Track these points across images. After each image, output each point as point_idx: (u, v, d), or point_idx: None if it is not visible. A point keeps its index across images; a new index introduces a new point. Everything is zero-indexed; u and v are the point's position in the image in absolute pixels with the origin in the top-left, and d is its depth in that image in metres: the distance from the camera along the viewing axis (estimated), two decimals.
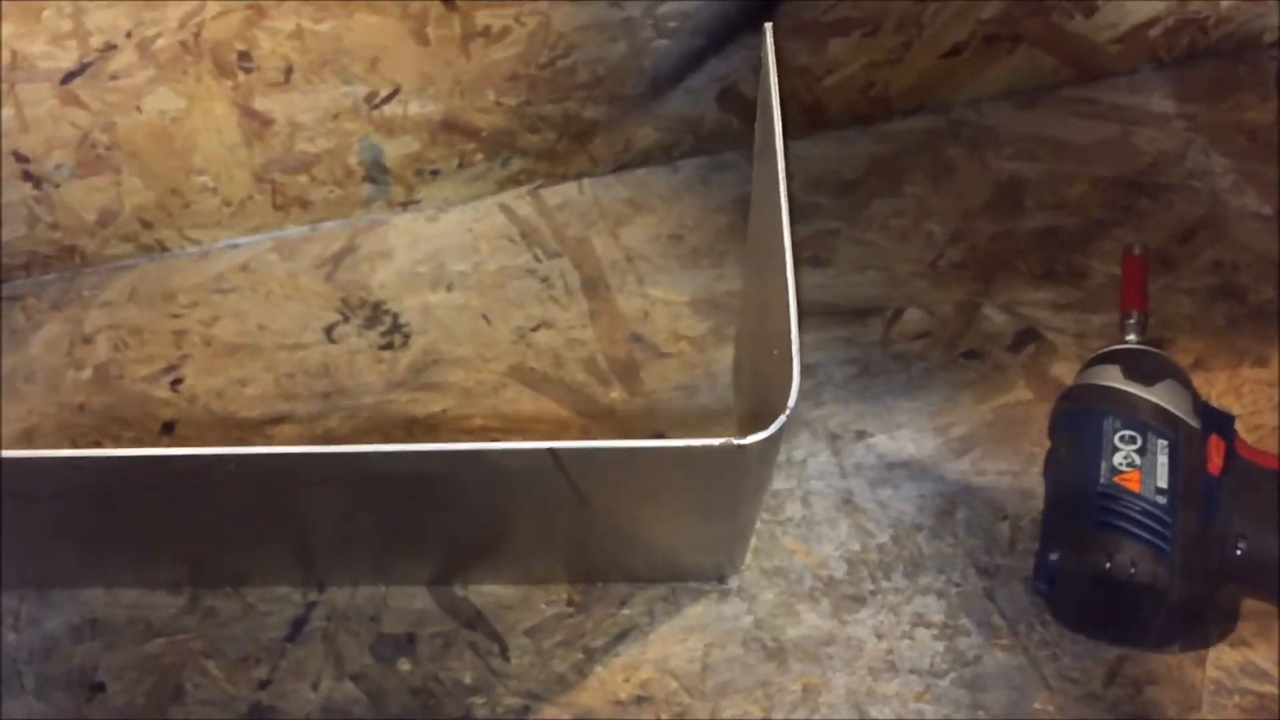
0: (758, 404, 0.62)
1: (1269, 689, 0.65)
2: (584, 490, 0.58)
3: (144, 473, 0.58)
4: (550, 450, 0.53)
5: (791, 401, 0.51)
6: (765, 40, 0.61)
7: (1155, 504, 0.65)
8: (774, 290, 0.59)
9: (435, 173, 0.91)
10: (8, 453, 0.53)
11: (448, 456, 0.55)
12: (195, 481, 0.59)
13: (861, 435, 0.78)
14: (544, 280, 0.87)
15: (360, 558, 0.71)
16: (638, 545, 0.69)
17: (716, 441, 0.51)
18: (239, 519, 0.65)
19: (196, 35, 0.80)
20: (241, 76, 0.82)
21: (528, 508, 0.63)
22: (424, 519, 0.65)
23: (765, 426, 0.52)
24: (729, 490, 0.60)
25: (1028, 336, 0.82)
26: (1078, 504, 0.66)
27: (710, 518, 0.65)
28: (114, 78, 0.80)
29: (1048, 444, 0.74)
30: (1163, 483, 0.66)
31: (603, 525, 0.66)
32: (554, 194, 0.93)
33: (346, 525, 0.66)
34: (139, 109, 0.82)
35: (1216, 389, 0.78)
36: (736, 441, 0.51)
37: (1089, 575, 0.64)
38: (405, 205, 0.92)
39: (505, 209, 0.92)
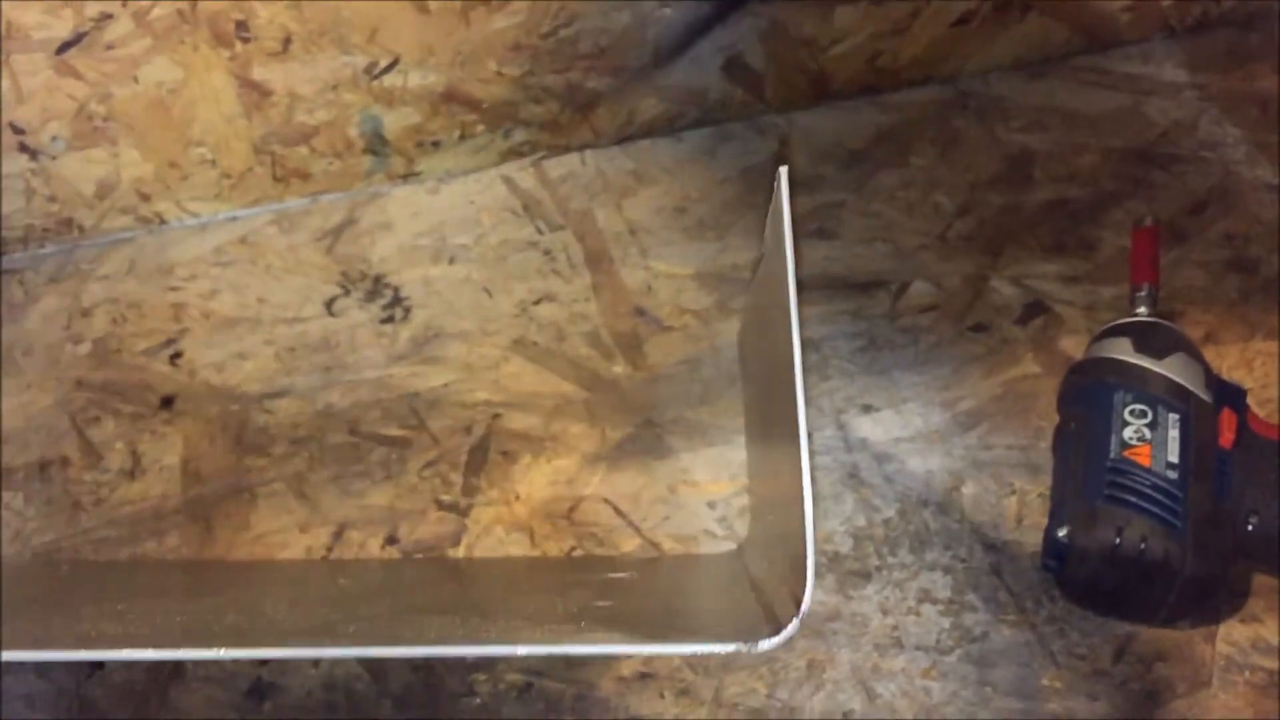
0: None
1: None
2: None
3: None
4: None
5: (805, 606, 0.51)
6: (779, 185, 0.59)
7: (1166, 479, 0.64)
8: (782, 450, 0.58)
9: (436, 144, 0.90)
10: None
11: None
12: None
13: (868, 409, 0.77)
14: (546, 253, 0.86)
15: None
16: None
17: (733, 646, 0.51)
18: None
19: (193, 4, 0.78)
20: (239, 46, 0.81)
21: None
22: None
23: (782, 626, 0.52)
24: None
25: (1036, 309, 0.81)
26: (1087, 478, 0.66)
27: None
28: (110, 47, 0.79)
29: (1056, 418, 0.73)
30: (1174, 457, 0.65)
31: None
32: (557, 166, 0.92)
33: None
34: (136, 79, 0.81)
35: (1228, 362, 0.77)
36: (748, 649, 0.51)
37: (1098, 551, 0.63)
38: (406, 177, 0.91)
39: (507, 181, 0.91)
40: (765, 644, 0.51)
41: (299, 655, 0.54)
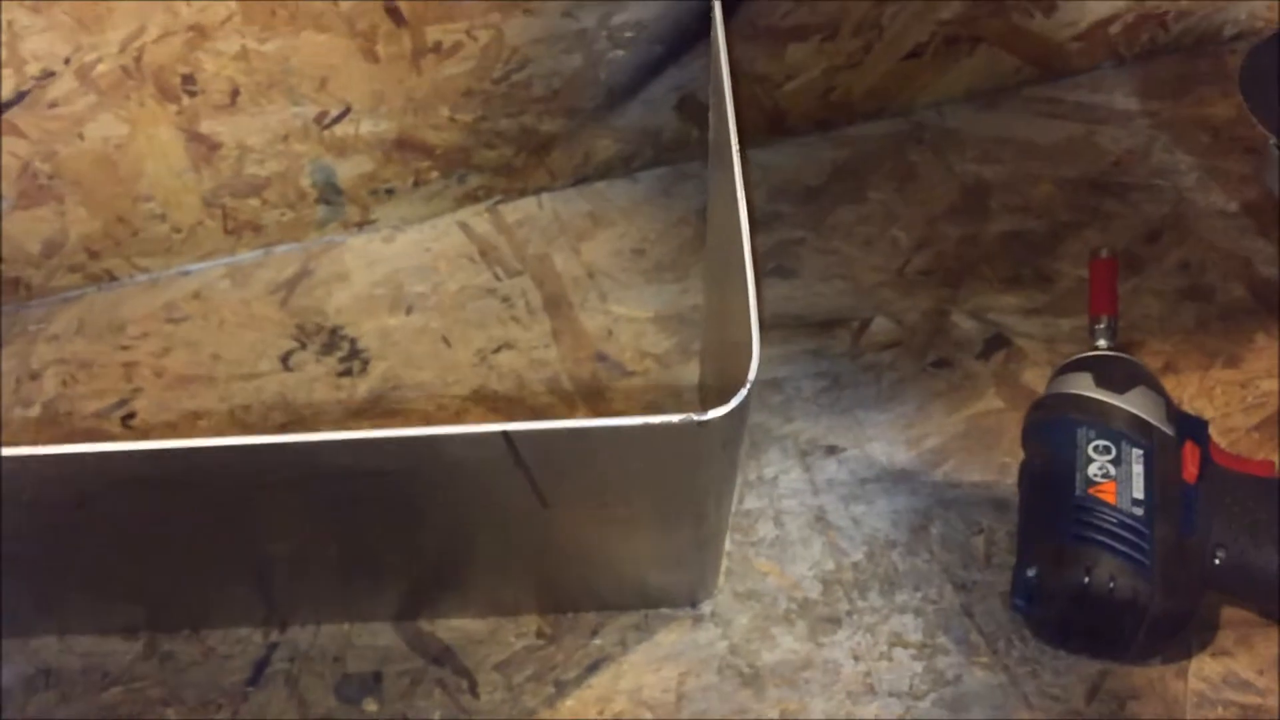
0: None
1: (1252, 699, 0.64)
2: (543, 486, 0.55)
3: (95, 476, 0.55)
4: (504, 433, 0.50)
5: (752, 374, 0.48)
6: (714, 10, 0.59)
7: (1132, 515, 0.64)
8: (733, 275, 0.56)
9: (390, 192, 0.89)
10: None
11: (399, 445, 0.52)
12: (144, 491, 0.56)
13: (833, 450, 0.76)
14: (505, 300, 0.85)
15: (320, 586, 0.69)
16: (605, 563, 0.67)
17: (677, 417, 0.48)
18: (193, 543, 0.62)
19: (138, 60, 0.77)
20: (186, 100, 0.80)
21: (488, 516, 0.60)
22: (382, 536, 0.62)
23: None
24: (694, 484, 0.57)
25: (997, 343, 0.81)
26: (1053, 517, 0.65)
27: (677, 521, 0.62)
28: (53, 105, 0.78)
29: (1021, 454, 0.73)
30: (1139, 493, 0.65)
31: (567, 538, 0.63)
32: (513, 210, 0.91)
33: (303, 546, 0.64)
34: (81, 136, 0.80)
35: (1188, 392, 0.78)
36: (697, 417, 0.48)
37: (1067, 592, 0.63)
38: (361, 226, 0.90)
39: (463, 227, 0.90)
40: (713, 413, 0.48)
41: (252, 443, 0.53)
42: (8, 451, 0.49)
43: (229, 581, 0.68)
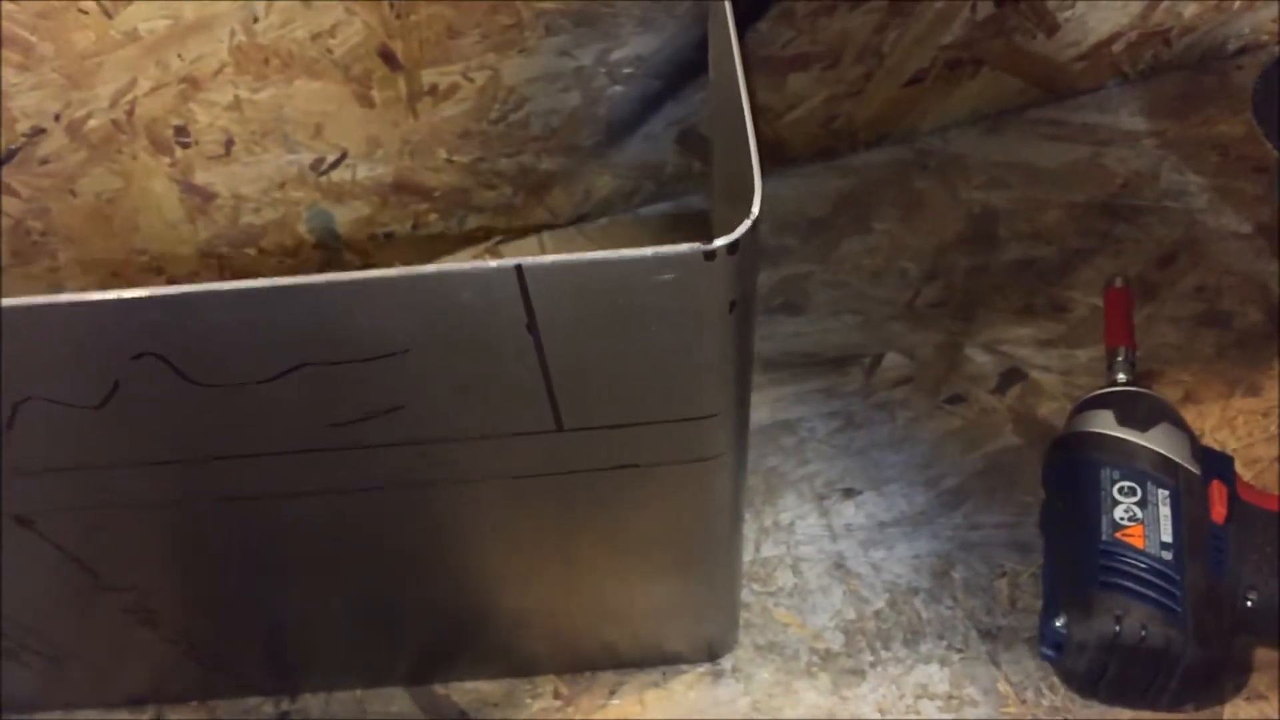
0: None
1: None
2: (553, 368, 0.50)
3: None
4: (516, 267, 0.46)
5: (756, 207, 0.46)
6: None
7: (1161, 560, 0.63)
8: (733, 119, 0.54)
9: (389, 236, 0.88)
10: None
11: (406, 286, 0.45)
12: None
13: (849, 493, 0.75)
14: None
15: (332, 643, 0.67)
16: (623, 599, 0.64)
17: (684, 246, 0.46)
18: (199, 595, 0.60)
19: (129, 113, 0.76)
20: (179, 152, 0.79)
21: (500, 452, 0.54)
22: (393, 566, 0.59)
23: None
24: (708, 362, 0.51)
25: (1012, 377, 0.80)
26: (1080, 563, 0.64)
27: (694, 514, 0.59)
28: (45, 162, 0.76)
29: (1041, 492, 0.71)
30: (1167, 537, 0.64)
31: (584, 568, 0.61)
32: (514, 250, 0.89)
33: (313, 591, 0.61)
34: (73, 193, 0.78)
35: (1210, 423, 0.76)
36: (705, 247, 0.45)
37: (1097, 642, 0.61)
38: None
39: None
40: (720, 240, 0.46)
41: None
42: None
43: (239, 643, 0.66)
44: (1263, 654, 0.66)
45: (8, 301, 0.43)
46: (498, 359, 0.48)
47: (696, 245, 0.45)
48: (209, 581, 0.61)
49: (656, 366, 0.50)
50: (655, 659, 0.69)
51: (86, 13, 0.71)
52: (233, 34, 0.74)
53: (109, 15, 0.72)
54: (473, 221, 0.89)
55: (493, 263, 0.44)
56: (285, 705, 0.68)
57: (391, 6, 0.75)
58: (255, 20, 0.74)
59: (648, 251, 0.45)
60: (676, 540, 0.59)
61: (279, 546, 0.58)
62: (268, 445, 0.51)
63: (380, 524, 0.56)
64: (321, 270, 0.88)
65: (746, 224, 0.46)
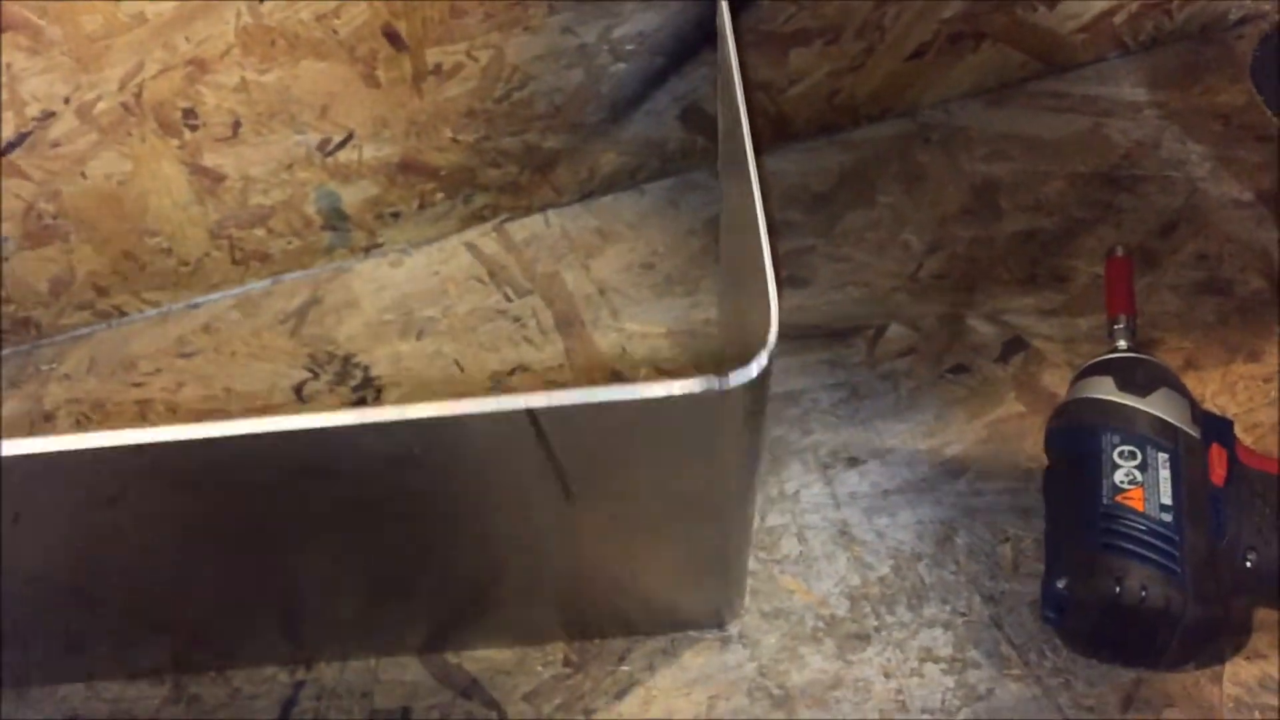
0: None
1: None
2: (566, 468, 0.52)
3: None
4: (528, 410, 0.48)
5: (772, 336, 0.47)
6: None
7: (1161, 522, 0.64)
8: (748, 237, 0.55)
9: (396, 215, 0.89)
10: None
11: (421, 427, 0.49)
12: (162, 491, 0.55)
13: (854, 462, 0.76)
14: (516, 320, 0.85)
15: (345, 612, 0.68)
16: (630, 576, 0.66)
17: (699, 382, 0.46)
18: (217, 566, 0.61)
19: (138, 96, 0.77)
20: (188, 134, 0.80)
21: (512, 514, 0.59)
22: (407, 547, 0.61)
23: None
24: (718, 459, 0.55)
25: (1015, 346, 0.80)
26: (1081, 527, 0.65)
27: (702, 508, 0.60)
28: (55, 145, 0.77)
29: (1044, 459, 0.72)
30: (1167, 499, 0.64)
31: (592, 542, 0.62)
32: (520, 228, 0.90)
33: (328, 560, 0.62)
34: (84, 175, 0.79)
35: (1210, 388, 0.77)
36: (719, 382, 0.46)
37: (1099, 602, 0.62)
38: (368, 250, 0.90)
39: (471, 247, 0.89)
40: (735, 376, 0.46)
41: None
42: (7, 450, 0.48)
43: (255, 613, 0.67)
44: (1263, 614, 0.67)
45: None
46: (509, 466, 0.51)
47: (711, 379, 0.45)
48: (221, 562, 0.62)
49: (671, 465, 0.53)
50: (664, 625, 0.70)
51: None
52: (239, 16, 0.75)
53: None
54: (479, 200, 0.90)
55: (506, 405, 0.47)
56: (301, 675, 0.69)
57: None
58: (261, 1, 0.75)
59: (661, 388, 0.46)
60: (691, 507, 0.60)
61: (291, 533, 0.59)
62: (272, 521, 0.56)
63: (386, 495, 0.58)
64: (329, 251, 0.89)
65: (763, 359, 0.46)
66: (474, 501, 0.57)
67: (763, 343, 0.47)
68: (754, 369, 0.46)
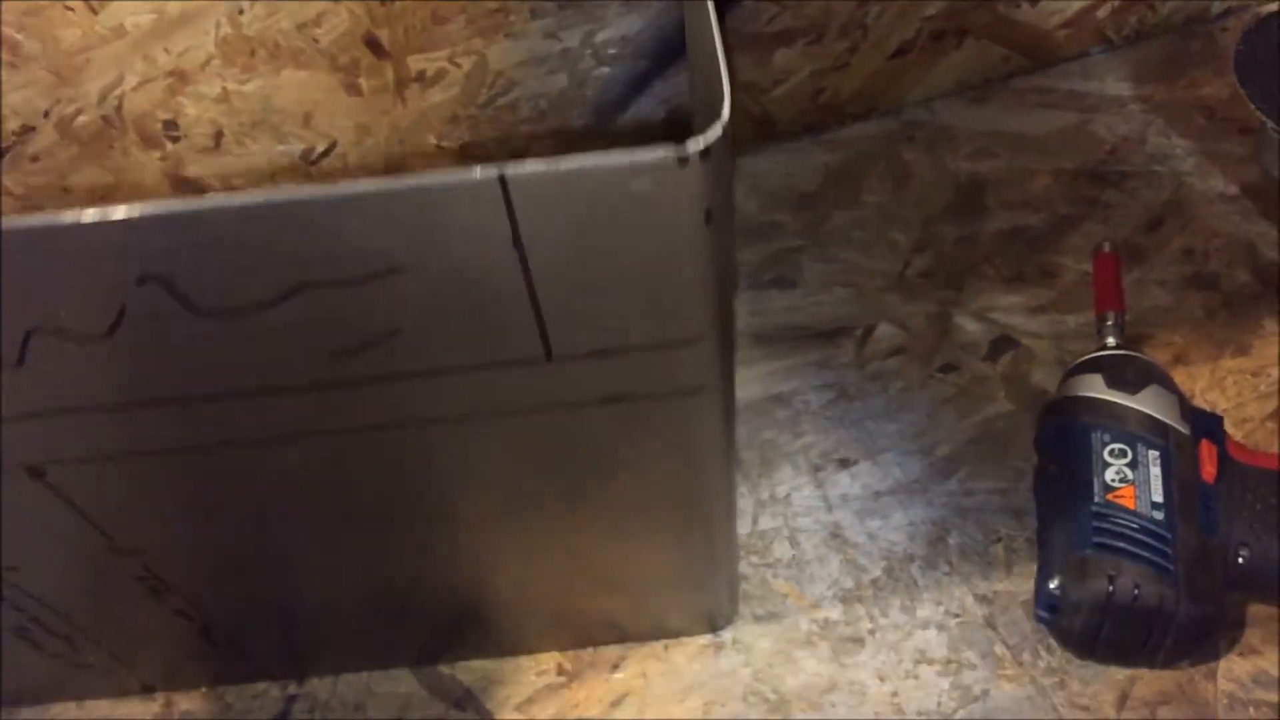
0: None
1: None
2: (538, 277, 0.51)
3: None
4: (500, 176, 0.47)
5: (725, 110, 0.46)
6: None
7: (1153, 520, 0.63)
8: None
9: None
10: None
11: (388, 200, 0.46)
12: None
13: (845, 464, 0.76)
14: None
15: (337, 617, 0.67)
16: (619, 551, 0.65)
17: (658, 150, 0.44)
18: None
19: (118, 108, 0.76)
20: (170, 146, 0.79)
21: (489, 370, 0.54)
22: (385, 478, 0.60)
23: None
24: (689, 276, 0.51)
25: (1004, 344, 0.80)
26: (1073, 526, 0.65)
27: (685, 454, 0.58)
28: (35, 160, 0.77)
29: (1034, 457, 0.72)
30: (1158, 496, 0.64)
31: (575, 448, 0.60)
32: None
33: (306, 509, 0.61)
34: (66, 189, 0.79)
35: (1200, 384, 0.77)
36: (676, 150, 0.46)
37: (1092, 602, 0.62)
38: None
39: None
40: (693, 146, 0.46)
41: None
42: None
43: (247, 612, 0.66)
44: (1256, 610, 0.67)
45: (8, 222, 0.44)
46: (486, 277, 0.49)
47: (670, 150, 0.45)
48: (216, 544, 0.61)
49: (638, 281, 0.50)
50: (657, 632, 0.69)
51: (73, 10, 0.71)
52: (218, 26, 0.74)
53: (94, 11, 0.72)
54: None
55: (477, 173, 0.45)
56: (293, 689, 0.69)
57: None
58: (240, 12, 0.74)
59: (625, 158, 0.46)
60: (670, 490, 0.60)
61: (283, 499, 0.58)
62: (271, 379, 0.51)
63: (381, 474, 0.57)
64: None
65: (717, 129, 0.46)
66: (459, 384, 0.53)
67: (716, 114, 0.47)
68: (711, 135, 0.46)
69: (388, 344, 0.51)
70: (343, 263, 0.47)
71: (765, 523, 0.73)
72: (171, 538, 0.60)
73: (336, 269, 0.47)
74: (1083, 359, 0.72)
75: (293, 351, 0.51)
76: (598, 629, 0.70)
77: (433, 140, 0.85)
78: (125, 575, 0.61)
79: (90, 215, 0.45)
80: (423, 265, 0.48)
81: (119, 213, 0.44)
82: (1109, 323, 0.75)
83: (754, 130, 0.94)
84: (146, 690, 0.70)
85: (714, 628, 0.70)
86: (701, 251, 0.51)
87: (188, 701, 0.69)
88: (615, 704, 0.67)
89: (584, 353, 0.52)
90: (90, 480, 0.55)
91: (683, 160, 0.46)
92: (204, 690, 0.69)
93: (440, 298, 0.50)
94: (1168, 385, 0.70)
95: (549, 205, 0.47)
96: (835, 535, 0.73)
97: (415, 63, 0.80)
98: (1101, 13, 0.95)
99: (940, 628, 0.68)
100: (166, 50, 0.74)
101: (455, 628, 0.69)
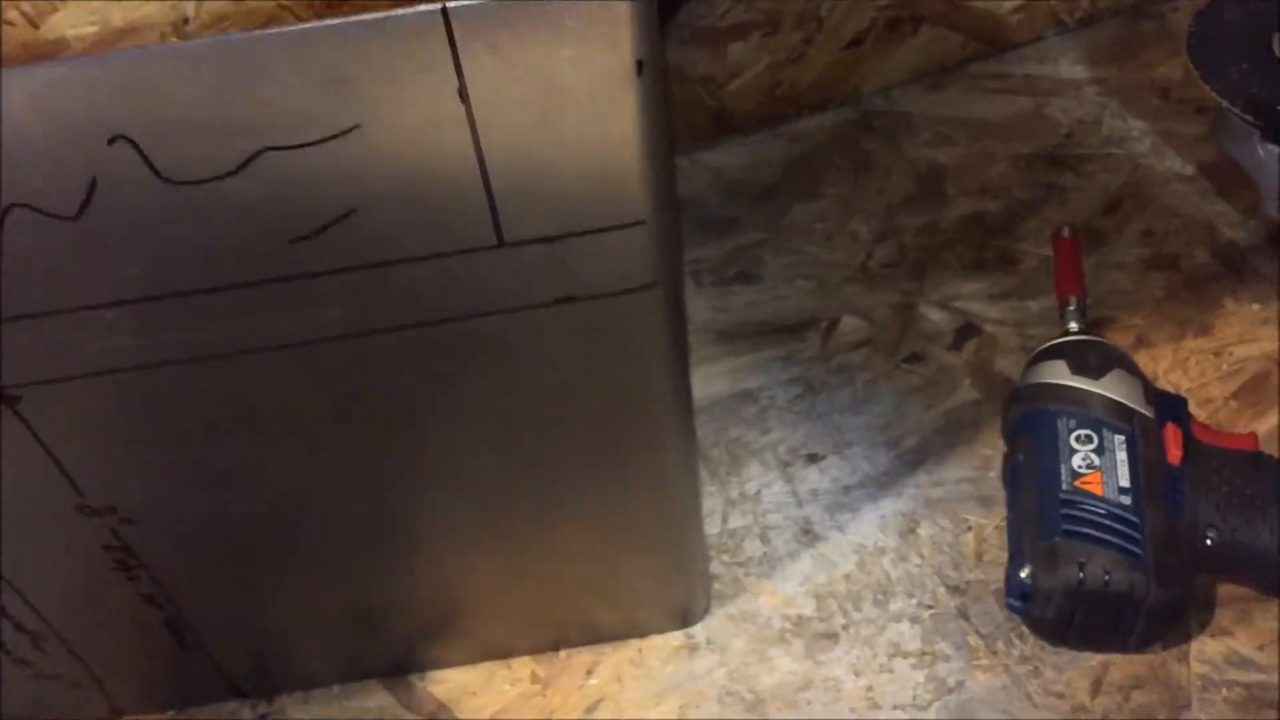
0: None
1: (1255, 677, 0.64)
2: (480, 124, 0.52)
3: None
4: (442, 9, 0.48)
5: None
6: None
7: (1120, 505, 0.64)
8: None
9: None
10: None
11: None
12: None
13: (813, 459, 0.75)
14: None
15: (306, 624, 0.66)
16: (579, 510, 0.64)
17: None
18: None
19: None
20: None
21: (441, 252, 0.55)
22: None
23: None
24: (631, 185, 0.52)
25: (967, 332, 0.80)
26: (1041, 514, 0.64)
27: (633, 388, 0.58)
28: None
29: (1001, 445, 0.72)
30: (1125, 481, 0.64)
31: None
32: None
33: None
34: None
35: (1163, 365, 0.77)
36: None
37: (1062, 590, 0.62)
38: None
39: None
40: None
41: None
42: None
43: (216, 601, 0.65)
44: (1226, 590, 0.67)
45: None
46: (438, 143, 0.49)
47: None
48: (185, 507, 0.60)
49: (576, 150, 0.50)
50: (630, 629, 0.69)
51: (13, 24, 0.70)
52: (163, 37, 0.73)
53: (35, 25, 0.70)
54: None
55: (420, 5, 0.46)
56: (263, 708, 0.68)
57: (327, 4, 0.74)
58: (185, 22, 0.73)
59: None
60: (626, 423, 0.59)
61: (250, 433, 0.57)
62: (235, 273, 0.52)
63: (347, 396, 0.56)
64: None
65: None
66: (414, 275, 0.54)
67: None
68: None
69: (345, 225, 0.51)
70: (298, 124, 0.48)
71: (735, 521, 0.73)
72: (140, 492, 0.59)
73: (293, 133, 0.48)
74: (1045, 345, 0.72)
75: (255, 236, 0.51)
76: (570, 627, 0.69)
77: None
78: (94, 545, 0.60)
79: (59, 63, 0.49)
80: (375, 125, 0.48)
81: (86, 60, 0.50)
82: (1071, 308, 0.75)
83: (712, 124, 0.93)
84: (115, 715, 0.69)
85: (687, 623, 0.69)
86: (634, 108, 0.51)
87: None
88: (590, 709, 0.67)
89: (532, 237, 0.53)
90: (61, 413, 0.54)
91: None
92: (173, 714, 0.68)
93: (394, 170, 0.50)
94: (1131, 369, 0.70)
95: (491, 57, 0.48)
96: (806, 531, 0.72)
97: None
98: None
99: (913, 620, 0.68)
100: None
101: (421, 623, 0.68)
